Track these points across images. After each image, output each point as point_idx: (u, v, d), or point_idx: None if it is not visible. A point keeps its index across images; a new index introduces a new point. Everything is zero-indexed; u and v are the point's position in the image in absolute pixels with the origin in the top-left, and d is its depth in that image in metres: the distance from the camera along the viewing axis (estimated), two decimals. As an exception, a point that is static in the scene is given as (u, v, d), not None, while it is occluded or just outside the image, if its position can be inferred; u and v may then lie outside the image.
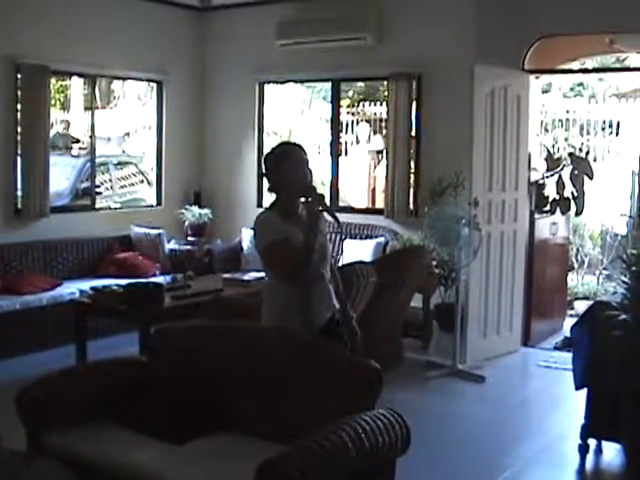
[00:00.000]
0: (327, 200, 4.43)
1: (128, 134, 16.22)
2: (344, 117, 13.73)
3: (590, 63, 11.14)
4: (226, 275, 8.12)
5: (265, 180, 4.57)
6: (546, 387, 7.46)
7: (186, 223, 10.38)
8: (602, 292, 10.64)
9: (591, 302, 7.56)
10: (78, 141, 13.89)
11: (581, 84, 14.99)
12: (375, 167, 13.74)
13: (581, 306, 9.55)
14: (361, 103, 15.08)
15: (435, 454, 5.61)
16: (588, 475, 5.61)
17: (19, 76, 8.78)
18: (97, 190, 10.88)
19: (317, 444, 3.45)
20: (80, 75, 10.50)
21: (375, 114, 14.69)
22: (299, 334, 4.39)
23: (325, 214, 4.41)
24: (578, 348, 5.71)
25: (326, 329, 4.49)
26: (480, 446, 5.94)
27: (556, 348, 8.53)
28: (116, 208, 11.34)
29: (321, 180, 12.65)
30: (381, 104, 14.07)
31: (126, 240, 9.61)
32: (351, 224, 9.58)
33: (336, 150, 10.51)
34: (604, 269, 11.39)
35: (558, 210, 8.73)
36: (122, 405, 4.37)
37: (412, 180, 9.45)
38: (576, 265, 11.40)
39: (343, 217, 9.45)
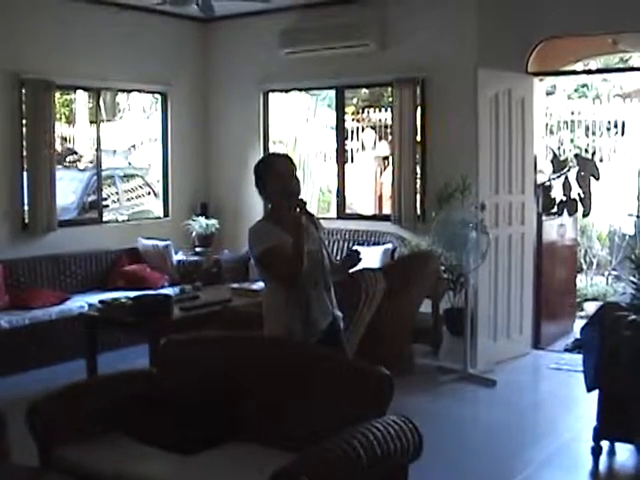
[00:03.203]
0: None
1: (134, 146, 16.25)
2: (349, 124, 13.71)
3: (594, 64, 11.12)
4: (234, 285, 8.12)
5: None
6: (557, 389, 7.43)
7: (193, 234, 10.40)
8: (611, 293, 10.62)
9: (601, 303, 7.56)
10: (76, 153, 13.94)
11: (585, 85, 14.95)
12: (381, 173, 13.73)
13: (591, 307, 9.53)
14: (366, 109, 15.07)
15: (447, 459, 5.60)
16: (601, 477, 5.57)
17: (24, 91, 8.81)
18: (104, 203, 10.92)
19: (329, 452, 3.45)
20: (84, 89, 10.57)
21: (380, 120, 14.68)
22: (304, 342, 4.43)
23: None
24: (588, 350, 5.69)
25: (326, 336, 4.53)
26: (492, 450, 5.93)
27: (566, 350, 8.51)
28: (123, 220, 11.37)
29: (327, 187, 12.66)
30: (386, 110, 14.06)
31: (134, 252, 9.61)
32: (358, 231, 9.60)
33: (342, 157, 10.50)
34: (613, 270, 11.36)
35: (565, 212, 8.71)
36: (133, 418, 4.36)
37: (418, 185, 9.46)
38: (585, 266, 11.38)
39: (350, 224, 9.63)
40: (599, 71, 11.94)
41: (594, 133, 13.67)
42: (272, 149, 10.97)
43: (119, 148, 15.50)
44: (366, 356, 5.18)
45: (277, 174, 4.59)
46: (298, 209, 4.44)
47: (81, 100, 15.79)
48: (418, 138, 9.40)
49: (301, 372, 4.22)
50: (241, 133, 10.85)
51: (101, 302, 7.41)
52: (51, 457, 4.18)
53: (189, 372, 4.54)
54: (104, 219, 10.25)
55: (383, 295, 6.68)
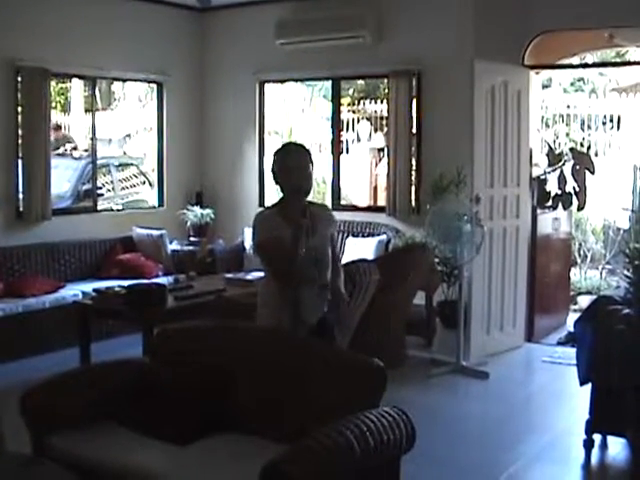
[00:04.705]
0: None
1: (129, 135, 16.25)
2: (345, 115, 13.72)
3: (590, 58, 11.15)
4: (228, 275, 8.11)
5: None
6: (550, 383, 7.45)
7: (188, 224, 10.38)
8: (605, 287, 10.64)
9: (594, 297, 7.56)
10: (71, 141, 13.90)
11: (581, 79, 14.99)
12: (376, 165, 13.74)
13: (584, 301, 9.55)
14: (361, 101, 15.08)
15: (440, 451, 5.61)
16: (593, 470, 5.60)
17: (19, 79, 8.78)
18: (99, 192, 10.90)
19: (322, 443, 3.45)
20: (80, 77, 10.51)
21: (376, 112, 14.69)
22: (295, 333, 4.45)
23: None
24: (582, 343, 5.70)
25: (316, 330, 4.56)
26: (484, 442, 5.94)
27: (560, 343, 8.52)
28: (118, 210, 11.35)
29: (323, 178, 12.65)
30: (381, 102, 14.08)
31: (128, 241, 9.59)
32: (353, 222, 9.58)
33: (337, 148, 10.50)
34: (607, 264, 11.37)
35: (560, 205, 8.72)
36: (126, 407, 4.37)
37: (414, 177, 9.45)
38: (579, 260, 11.40)
39: (345, 215, 9.63)
40: (595, 65, 11.98)
41: (590, 127, 13.69)
42: (267, 139, 10.94)
43: (114, 137, 15.50)
44: (359, 348, 5.18)
45: (287, 166, 4.57)
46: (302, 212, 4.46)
47: (77, 88, 15.77)
48: (414, 130, 9.38)
49: (295, 363, 4.22)
50: (236, 123, 10.82)
51: (95, 291, 7.40)
52: (44, 445, 4.18)
53: (182, 361, 4.53)
54: (99, 208, 10.22)
55: (377, 287, 6.68)
